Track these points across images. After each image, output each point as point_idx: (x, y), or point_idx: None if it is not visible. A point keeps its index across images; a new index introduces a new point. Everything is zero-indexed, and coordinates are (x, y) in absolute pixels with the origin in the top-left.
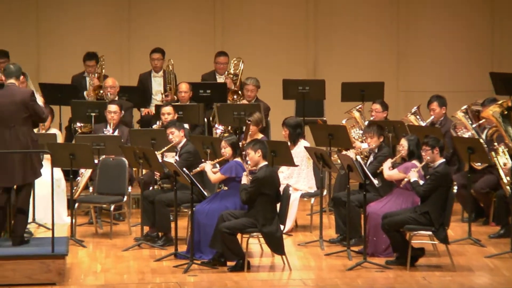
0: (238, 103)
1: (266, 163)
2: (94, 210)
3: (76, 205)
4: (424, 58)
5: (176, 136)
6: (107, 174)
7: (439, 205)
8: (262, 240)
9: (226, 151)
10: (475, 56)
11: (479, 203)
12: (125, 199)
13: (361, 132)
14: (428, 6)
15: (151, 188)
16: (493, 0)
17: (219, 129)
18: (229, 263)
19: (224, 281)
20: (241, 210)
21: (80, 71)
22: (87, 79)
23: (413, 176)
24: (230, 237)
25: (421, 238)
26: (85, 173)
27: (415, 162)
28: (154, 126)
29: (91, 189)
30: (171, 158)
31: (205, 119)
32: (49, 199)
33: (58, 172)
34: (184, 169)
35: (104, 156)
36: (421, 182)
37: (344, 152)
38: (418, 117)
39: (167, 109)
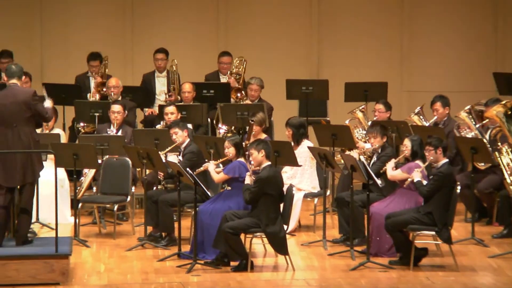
0: (241, 103)
1: (269, 163)
2: (97, 210)
3: (80, 205)
4: (427, 58)
5: (180, 136)
6: (111, 174)
7: (442, 205)
8: (265, 240)
9: (230, 151)
10: (479, 56)
11: (483, 203)
12: (128, 199)
13: (364, 132)
14: (431, 6)
15: (154, 188)
16: (496, 0)
17: (222, 129)
18: (232, 263)
19: (227, 281)
20: (245, 210)
21: (83, 71)
22: (91, 79)
23: (417, 176)
24: (233, 237)
25: (425, 238)
26: (89, 173)
27: (418, 162)
28: (158, 126)
29: (94, 189)
30: (173, 157)
31: (209, 119)
32: (52, 199)
33: (62, 172)
34: (188, 169)
35: (107, 156)
36: (425, 182)
37: (347, 152)
38: (421, 117)
39: (170, 108)
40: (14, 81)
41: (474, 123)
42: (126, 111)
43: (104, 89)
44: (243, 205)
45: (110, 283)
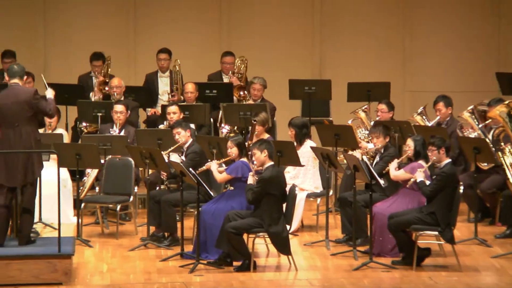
0: (244, 103)
1: (272, 163)
2: (100, 210)
3: (83, 205)
4: (430, 58)
5: (182, 136)
6: (113, 174)
7: (445, 205)
8: (268, 240)
9: (232, 151)
10: (481, 56)
11: (485, 203)
12: (131, 199)
13: (367, 132)
14: (433, 6)
15: (157, 188)
16: (498, 0)
17: (225, 129)
18: (235, 263)
19: (230, 281)
20: (247, 210)
21: (86, 71)
22: (94, 79)
23: (420, 176)
24: (236, 237)
25: (427, 238)
26: (91, 173)
27: (421, 162)
28: (161, 126)
29: (97, 189)
30: (176, 157)
31: (211, 119)
32: (55, 199)
33: (65, 172)
34: (190, 169)
35: (110, 156)
36: (427, 182)
37: (350, 152)
38: (424, 117)
39: (173, 108)
40: (15, 80)
41: (477, 123)
42: (129, 111)
43: (106, 88)
44: (246, 205)
45: (113, 283)
